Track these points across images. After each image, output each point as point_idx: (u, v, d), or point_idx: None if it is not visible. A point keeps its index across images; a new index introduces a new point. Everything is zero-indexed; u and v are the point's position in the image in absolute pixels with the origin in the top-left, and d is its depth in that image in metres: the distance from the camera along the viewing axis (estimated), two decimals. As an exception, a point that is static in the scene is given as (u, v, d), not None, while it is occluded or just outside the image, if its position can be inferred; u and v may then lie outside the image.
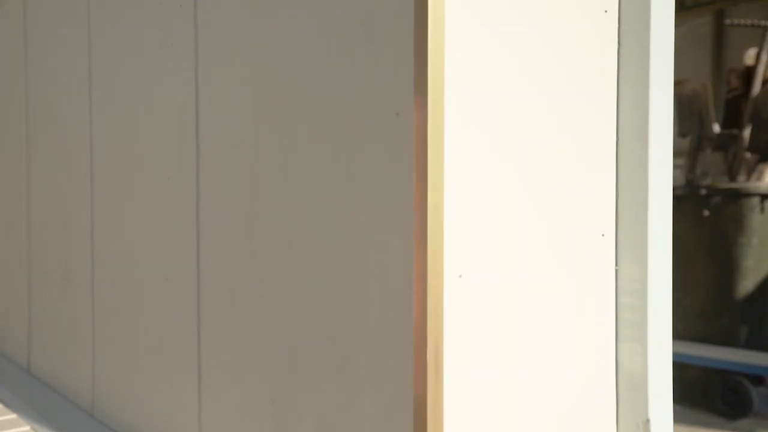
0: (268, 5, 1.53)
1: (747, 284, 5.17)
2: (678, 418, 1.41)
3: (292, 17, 1.45)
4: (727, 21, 6.17)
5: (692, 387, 5.09)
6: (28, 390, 2.66)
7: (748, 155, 5.33)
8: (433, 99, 1.16)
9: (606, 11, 1.37)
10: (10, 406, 2.49)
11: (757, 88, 5.17)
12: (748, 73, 5.31)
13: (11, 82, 2.83)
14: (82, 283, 2.35)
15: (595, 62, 1.36)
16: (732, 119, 5.48)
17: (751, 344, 5.12)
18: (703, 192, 5.24)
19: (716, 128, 5.54)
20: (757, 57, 5.18)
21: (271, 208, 1.57)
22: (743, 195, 5.08)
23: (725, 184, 5.23)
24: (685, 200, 5.30)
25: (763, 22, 5.01)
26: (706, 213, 5.24)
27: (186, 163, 1.84)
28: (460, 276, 1.16)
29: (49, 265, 2.58)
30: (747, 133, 5.31)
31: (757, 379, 4.98)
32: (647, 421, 1.35)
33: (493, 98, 1.23)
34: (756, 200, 5.09)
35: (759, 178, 5.24)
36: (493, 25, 1.23)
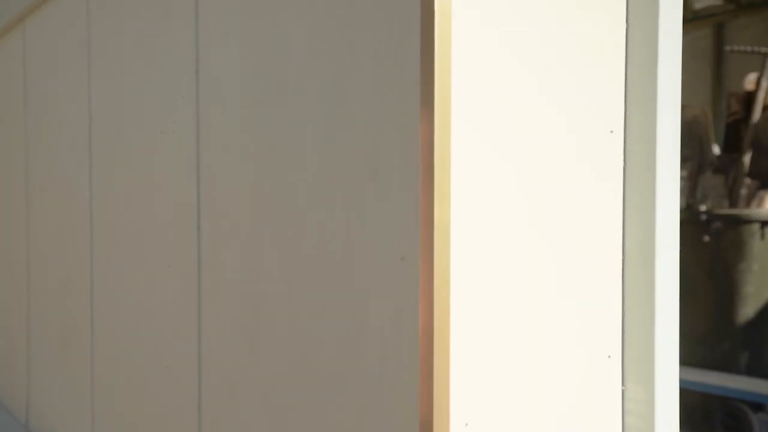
0: (273, 120, 1.52)
1: (747, 310, 5.16)
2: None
3: (297, 146, 1.44)
4: (727, 47, 6.14)
5: (692, 412, 5.08)
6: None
7: (748, 181, 5.32)
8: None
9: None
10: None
11: (757, 114, 5.16)
12: (749, 98, 5.29)
13: (13, 149, 2.82)
14: (82, 352, 2.34)
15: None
16: (732, 143, 5.46)
17: (752, 371, 5.12)
18: (704, 217, 5.23)
19: (716, 149, 5.52)
20: (758, 83, 5.16)
21: (274, 308, 1.56)
22: (743, 221, 5.07)
23: (725, 210, 5.22)
24: (685, 225, 5.27)
25: (763, 49, 4.98)
26: (707, 238, 5.23)
27: (187, 252, 1.82)
28: (466, 425, 1.15)
29: (49, 333, 2.57)
30: (747, 158, 5.29)
31: (758, 406, 4.97)
32: None
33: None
34: (756, 227, 5.07)
35: (759, 205, 5.23)
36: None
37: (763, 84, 5.10)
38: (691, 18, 8.52)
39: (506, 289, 1.23)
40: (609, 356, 1.37)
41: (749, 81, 5.32)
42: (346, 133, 1.32)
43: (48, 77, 2.55)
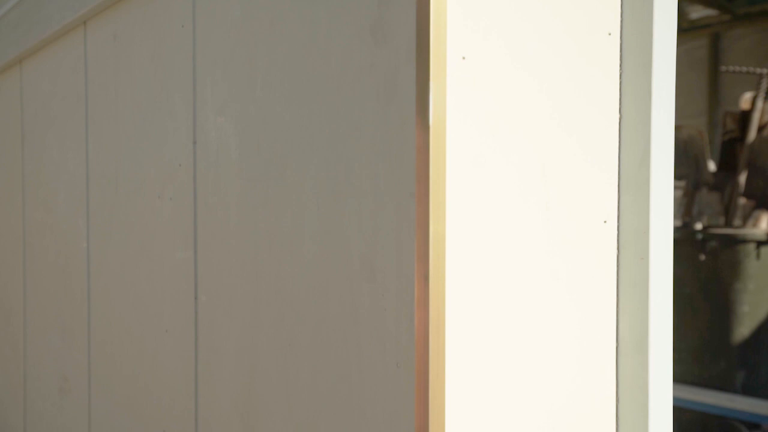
0: (271, 192, 1.53)
1: (743, 330, 5.18)
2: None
3: (295, 216, 1.45)
4: (723, 68, 6.16)
5: (688, 430, 5.10)
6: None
7: (743, 200, 5.34)
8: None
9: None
10: None
11: (753, 134, 5.17)
12: (744, 117, 5.31)
13: (10, 194, 2.83)
14: (79, 403, 2.35)
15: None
16: (728, 161, 5.48)
17: (747, 390, 5.14)
18: (700, 236, 5.25)
19: (711, 166, 5.54)
20: (753, 103, 5.17)
21: (270, 381, 1.57)
22: (739, 241, 5.09)
23: (721, 229, 5.24)
24: (681, 243, 5.30)
25: (758, 70, 5.00)
26: (702, 257, 5.24)
27: (185, 318, 1.83)
28: None
29: (46, 377, 2.58)
30: (742, 177, 5.31)
31: (753, 425, 5.00)
32: None
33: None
34: (752, 246, 5.09)
35: (755, 225, 5.24)
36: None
37: (758, 104, 5.11)
38: (687, 28, 8.55)
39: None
40: (603, 442, 1.39)
41: (745, 100, 5.33)
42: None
43: (46, 127, 2.56)
